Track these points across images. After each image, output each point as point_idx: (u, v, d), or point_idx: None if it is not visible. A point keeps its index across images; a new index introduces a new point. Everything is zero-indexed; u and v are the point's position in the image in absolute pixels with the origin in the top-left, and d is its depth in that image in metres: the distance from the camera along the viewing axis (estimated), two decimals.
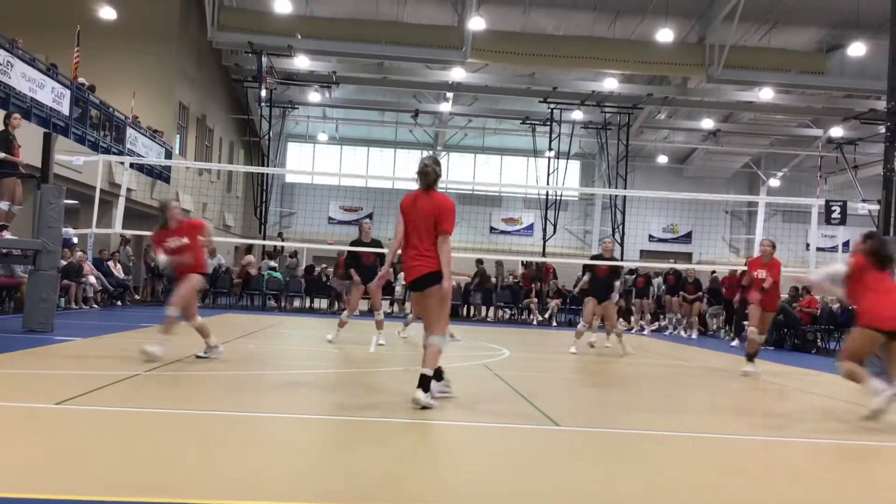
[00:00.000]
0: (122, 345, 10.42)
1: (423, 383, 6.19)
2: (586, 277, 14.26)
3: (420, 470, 4.39)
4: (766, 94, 32.90)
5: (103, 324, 13.76)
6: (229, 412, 5.73)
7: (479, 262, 24.00)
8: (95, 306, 18.15)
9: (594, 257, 13.59)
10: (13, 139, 12.25)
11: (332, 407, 6.50)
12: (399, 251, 6.60)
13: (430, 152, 44.51)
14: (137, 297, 22.27)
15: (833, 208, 13.22)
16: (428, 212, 6.36)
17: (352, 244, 12.77)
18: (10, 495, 3.35)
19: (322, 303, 24.36)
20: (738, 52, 29.62)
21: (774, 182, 44.33)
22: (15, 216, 12.47)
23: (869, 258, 7.14)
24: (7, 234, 11.96)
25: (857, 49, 28.41)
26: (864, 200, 20.52)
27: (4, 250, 12.05)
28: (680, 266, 23.49)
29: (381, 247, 12.62)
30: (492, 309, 24.83)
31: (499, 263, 24.47)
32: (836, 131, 37.23)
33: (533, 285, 23.95)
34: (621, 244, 33.70)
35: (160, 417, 5.40)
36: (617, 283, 13.40)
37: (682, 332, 20.55)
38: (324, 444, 5.00)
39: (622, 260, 28.53)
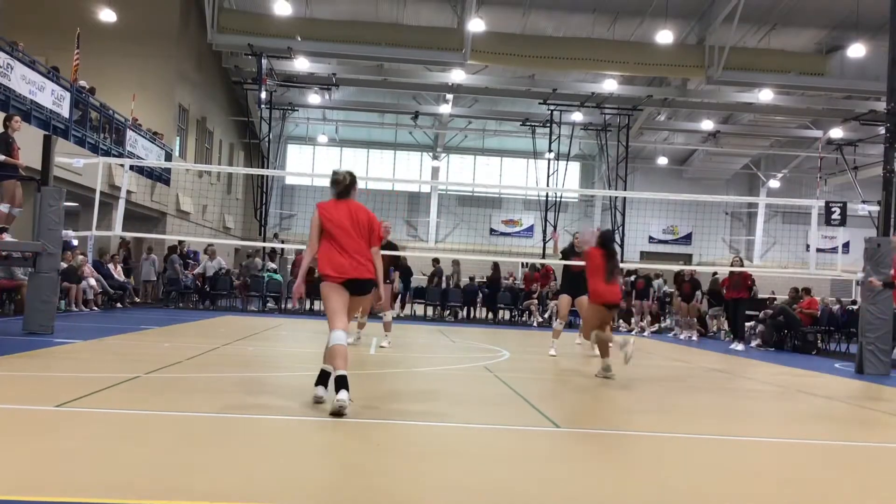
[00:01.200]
0: (122, 347, 10.43)
1: (344, 384, 5.94)
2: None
3: (419, 471, 4.39)
4: (765, 96, 32.95)
5: (103, 326, 13.76)
6: (229, 415, 5.73)
7: (436, 261, 24.15)
8: (95, 309, 18.15)
9: (567, 250, 12.97)
10: (13, 141, 12.26)
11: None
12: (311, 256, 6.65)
13: (431, 153, 44.61)
14: (137, 299, 22.26)
15: (833, 209, 13.20)
16: (365, 222, 6.53)
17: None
18: (10, 497, 3.35)
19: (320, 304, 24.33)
20: (737, 54, 29.67)
21: (774, 183, 44.36)
22: (15, 218, 12.48)
23: (600, 249, 9.69)
24: (7, 237, 11.96)
25: (856, 50, 28.42)
26: (864, 201, 20.53)
27: (5, 253, 12.06)
28: (680, 268, 23.46)
29: (396, 248, 12.68)
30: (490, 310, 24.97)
31: (455, 262, 24.51)
32: (836, 132, 37.28)
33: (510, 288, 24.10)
34: (621, 245, 33.72)
35: (160, 420, 5.40)
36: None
37: (681, 335, 20.50)
38: (324, 447, 5.00)
39: (622, 262, 28.54)
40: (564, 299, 12.68)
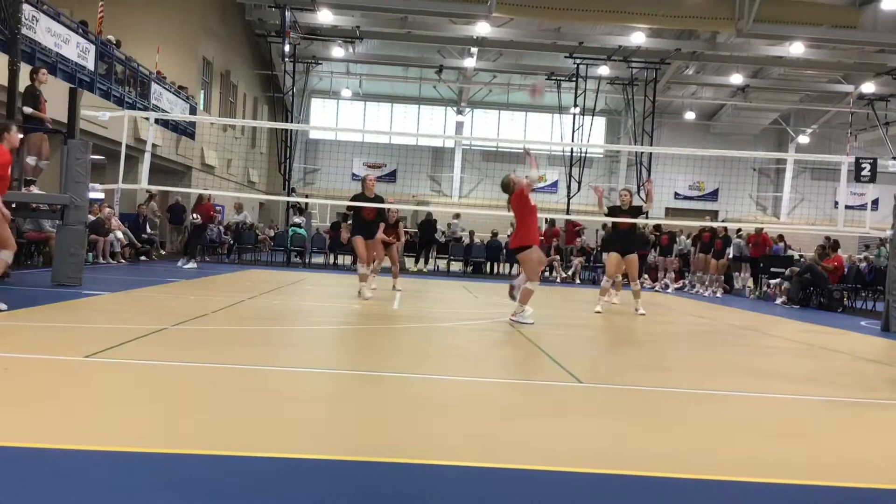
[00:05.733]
0: (149, 300, 10.56)
1: None
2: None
3: (437, 423, 4.43)
4: (796, 49, 32.26)
5: (131, 278, 13.92)
6: (255, 366, 5.80)
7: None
8: (123, 261, 18.35)
9: (612, 209, 12.88)
10: (40, 94, 12.32)
11: (355, 362, 6.56)
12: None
13: (455, 108, 44.32)
14: (164, 252, 22.47)
15: (863, 166, 12.99)
16: None
17: (354, 198, 12.69)
18: (42, 445, 3.42)
19: (345, 260, 24.47)
20: (768, 6, 28.97)
21: (803, 139, 43.73)
22: (42, 171, 12.59)
23: None
24: (35, 189, 12.08)
25: (890, 2, 27.69)
26: (894, 157, 20.19)
27: (33, 205, 12.18)
28: (711, 224, 23.30)
29: (383, 202, 12.71)
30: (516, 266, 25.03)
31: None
32: (868, 87, 36.57)
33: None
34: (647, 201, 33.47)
35: (188, 370, 5.48)
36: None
37: (704, 292, 20.44)
38: (346, 399, 5.05)
39: (648, 217, 28.49)
40: (613, 257, 12.63)
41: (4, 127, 8.32)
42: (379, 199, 12.61)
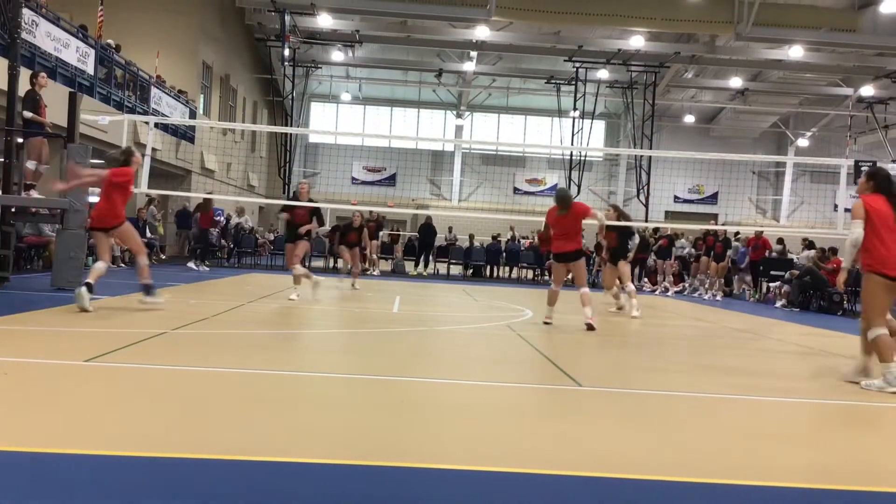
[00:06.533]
0: (150, 303, 10.53)
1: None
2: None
3: (438, 427, 4.43)
4: (795, 52, 32.28)
5: (131, 282, 13.89)
6: (255, 370, 5.80)
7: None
8: (122, 265, 18.33)
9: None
10: (39, 98, 12.33)
11: (354, 366, 6.56)
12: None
13: (454, 112, 44.34)
14: (164, 255, 22.45)
15: (863, 168, 13.01)
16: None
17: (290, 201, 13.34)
18: (42, 449, 3.42)
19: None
20: (767, 9, 29.01)
21: (803, 142, 43.75)
22: (42, 175, 12.59)
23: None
24: (35, 194, 12.08)
25: (889, 6, 27.72)
26: (894, 160, 20.22)
27: (33, 209, 12.18)
28: (716, 228, 23.30)
29: (315, 202, 12.80)
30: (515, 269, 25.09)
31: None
32: (867, 90, 36.59)
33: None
34: (646, 205, 33.49)
35: (189, 375, 5.48)
36: (630, 244, 13.20)
37: (704, 294, 20.45)
38: (345, 403, 5.05)
39: (647, 221, 28.43)
40: (606, 271, 13.32)
41: (130, 152, 9.82)
42: (311, 202, 12.83)
